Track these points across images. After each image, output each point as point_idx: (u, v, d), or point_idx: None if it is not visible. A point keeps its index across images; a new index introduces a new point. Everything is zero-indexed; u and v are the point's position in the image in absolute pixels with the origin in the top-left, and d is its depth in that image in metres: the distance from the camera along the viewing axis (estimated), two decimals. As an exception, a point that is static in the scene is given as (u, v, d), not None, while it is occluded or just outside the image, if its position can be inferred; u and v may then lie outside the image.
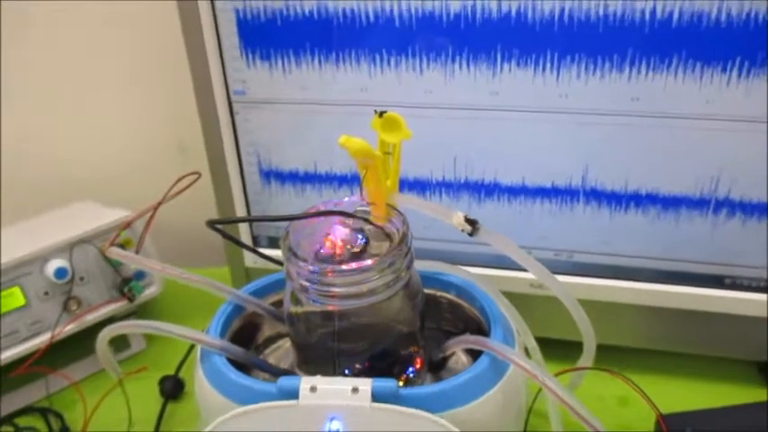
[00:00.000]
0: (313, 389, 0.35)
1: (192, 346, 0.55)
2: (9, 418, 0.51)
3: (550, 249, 0.49)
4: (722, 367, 0.53)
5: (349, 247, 0.38)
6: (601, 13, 0.41)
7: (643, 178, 0.45)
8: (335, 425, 0.34)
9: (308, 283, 0.36)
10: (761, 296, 0.47)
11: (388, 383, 0.35)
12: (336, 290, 0.35)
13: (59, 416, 0.52)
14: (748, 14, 0.39)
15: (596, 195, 0.47)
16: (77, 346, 0.55)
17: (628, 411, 0.50)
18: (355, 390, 0.34)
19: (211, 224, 0.41)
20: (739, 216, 0.45)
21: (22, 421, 0.51)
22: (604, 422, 0.47)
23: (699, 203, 0.45)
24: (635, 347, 0.52)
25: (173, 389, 0.53)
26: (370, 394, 0.34)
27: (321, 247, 0.38)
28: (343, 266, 0.35)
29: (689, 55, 0.41)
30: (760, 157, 0.42)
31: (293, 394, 0.35)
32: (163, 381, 0.53)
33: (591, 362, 0.43)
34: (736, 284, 0.47)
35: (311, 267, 0.35)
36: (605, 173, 0.46)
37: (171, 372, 0.54)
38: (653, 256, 0.48)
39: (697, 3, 0.39)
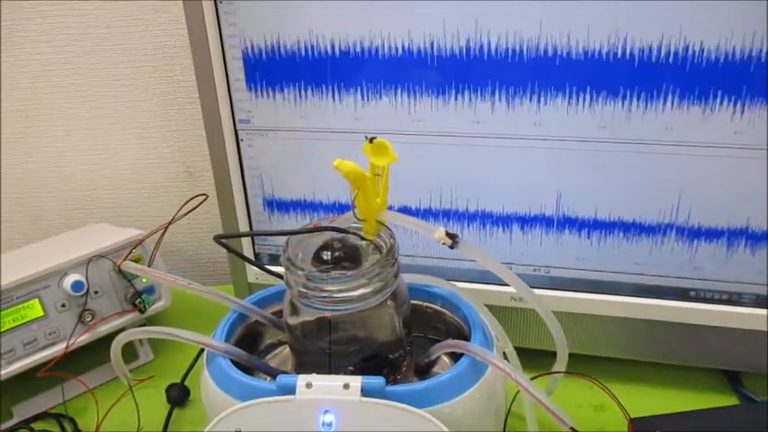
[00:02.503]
0: (308, 385, 0.38)
1: (198, 356, 0.59)
2: (26, 423, 0.55)
3: (529, 265, 0.53)
4: (692, 375, 0.56)
5: (342, 258, 0.42)
6: (567, 51, 0.45)
7: (611, 201, 0.50)
8: (329, 417, 0.38)
9: (305, 290, 0.40)
10: (723, 307, 0.51)
11: (376, 381, 0.38)
12: (331, 296, 0.39)
13: (73, 421, 0.55)
14: (700, 50, 0.44)
15: (569, 218, 0.51)
16: (91, 356, 0.59)
17: (603, 417, 0.53)
18: (346, 386, 0.38)
19: (218, 238, 0.45)
20: (699, 234, 0.49)
21: (38, 425, 0.55)
22: (581, 426, 0.50)
23: (661, 223, 0.49)
24: (609, 357, 0.56)
25: (179, 395, 0.56)
26: (359, 390, 0.38)
27: (317, 259, 0.42)
28: (337, 274, 0.39)
29: (649, 88, 0.45)
30: (713, 180, 0.47)
31: (290, 390, 0.38)
32: (170, 388, 0.57)
33: (564, 367, 0.46)
34: (699, 297, 0.51)
35: (308, 275, 0.39)
36: (577, 195, 0.50)
37: (176, 381, 0.58)
38: (623, 271, 0.52)
39: (654, 40, 0.44)
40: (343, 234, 0.43)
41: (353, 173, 0.39)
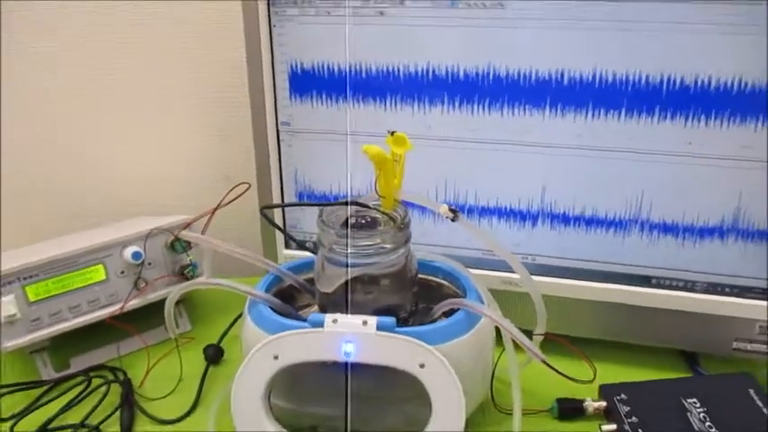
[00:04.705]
0: (334, 321, 0.48)
1: (233, 323, 0.69)
2: (84, 372, 0.64)
3: (518, 254, 0.63)
4: (655, 355, 0.65)
5: (364, 226, 0.52)
6: (553, 74, 0.57)
7: (586, 199, 0.60)
8: (350, 347, 0.47)
9: (335, 246, 0.50)
10: (679, 293, 0.60)
11: (388, 320, 0.48)
12: (355, 250, 0.49)
13: (123, 372, 0.64)
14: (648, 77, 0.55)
15: (551, 213, 0.61)
16: (142, 321, 0.68)
17: (581, 385, 0.61)
18: (365, 322, 0.48)
19: (263, 209, 0.56)
20: (659, 228, 0.59)
21: (94, 374, 0.64)
22: (558, 392, 0.60)
23: (627, 218, 0.59)
24: (584, 337, 0.65)
25: (215, 354, 0.66)
26: (375, 326, 0.47)
27: (345, 224, 0.52)
28: (359, 232, 0.50)
29: (615, 106, 0.56)
30: (670, 183, 0.57)
31: (320, 324, 0.48)
32: (207, 348, 0.66)
33: (543, 330, 0.56)
34: (660, 284, 0.61)
35: (337, 233, 0.50)
36: (558, 193, 0.60)
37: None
38: (597, 260, 0.62)
39: (619, 70, 0.55)
40: (366, 208, 0.53)
41: (378, 155, 0.50)
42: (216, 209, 0.66)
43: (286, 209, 0.69)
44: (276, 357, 0.48)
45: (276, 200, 0.68)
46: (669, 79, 0.54)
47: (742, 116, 0.54)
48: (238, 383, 0.49)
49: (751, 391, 0.56)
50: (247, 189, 0.66)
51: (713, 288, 0.59)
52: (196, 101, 0.84)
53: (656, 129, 0.56)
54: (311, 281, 0.57)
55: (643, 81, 0.55)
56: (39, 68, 0.83)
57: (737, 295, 0.59)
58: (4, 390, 0.62)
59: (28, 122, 0.86)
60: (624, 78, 0.55)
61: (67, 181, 0.90)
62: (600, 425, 0.55)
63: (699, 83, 0.54)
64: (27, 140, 0.87)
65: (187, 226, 0.67)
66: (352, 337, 0.48)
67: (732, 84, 0.53)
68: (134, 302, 0.66)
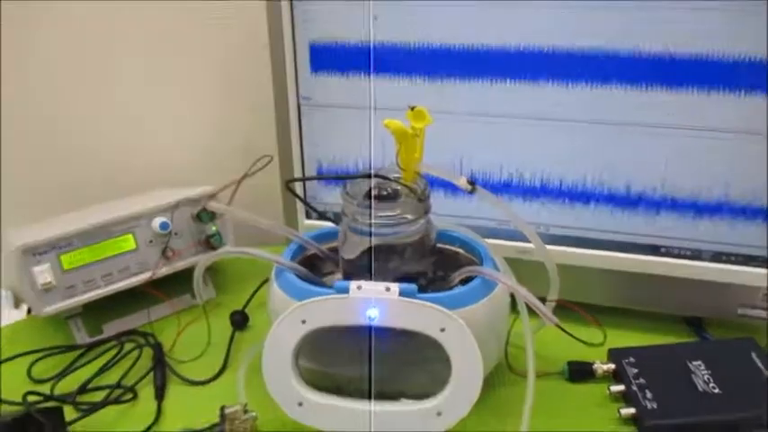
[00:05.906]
0: (359, 287, 0.50)
1: (257, 290, 0.72)
2: (117, 336, 0.67)
3: (533, 224, 0.65)
4: (663, 321, 0.67)
5: (385, 198, 0.54)
6: (565, 50, 0.58)
7: (597, 172, 0.62)
8: (374, 312, 0.50)
9: (358, 216, 0.52)
10: (686, 262, 0.62)
11: (410, 286, 0.50)
12: (377, 220, 0.52)
13: (154, 336, 0.67)
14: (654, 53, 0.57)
15: (565, 185, 0.63)
16: (169, 288, 0.71)
17: (591, 349, 0.65)
18: (388, 289, 0.50)
19: (287, 183, 0.58)
20: (666, 200, 0.61)
21: (126, 338, 0.67)
22: (571, 356, 0.63)
23: (637, 190, 0.61)
24: (594, 304, 0.67)
25: (241, 320, 0.69)
26: (397, 292, 0.50)
27: (367, 196, 0.54)
28: (381, 203, 0.52)
29: (635, 80, 0.58)
30: (677, 155, 0.59)
31: (345, 291, 0.51)
32: (233, 314, 0.69)
33: (556, 296, 0.58)
34: (668, 253, 0.63)
35: (360, 204, 0.52)
36: (570, 167, 0.63)
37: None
38: (608, 230, 0.64)
39: (627, 46, 0.57)
40: (387, 180, 0.55)
41: (399, 130, 0.52)
42: (241, 180, 0.69)
43: (308, 173, 0.71)
44: (304, 322, 0.51)
45: (297, 172, 0.70)
46: (673, 54, 0.56)
47: (746, 90, 0.56)
48: (268, 346, 0.51)
49: (753, 355, 0.59)
50: (270, 161, 0.68)
51: (719, 257, 0.62)
52: (219, 78, 0.85)
53: (664, 102, 0.57)
54: (333, 250, 0.60)
55: (650, 56, 0.56)
56: (64, 41, 0.85)
57: (742, 263, 0.61)
58: (42, 353, 0.65)
59: (54, 97, 0.88)
60: (633, 54, 0.57)
61: (90, 153, 0.92)
62: (608, 386, 0.58)
63: (701, 58, 0.55)
64: (51, 113, 0.89)
65: (213, 197, 0.70)
66: (376, 302, 0.50)
67: (732, 58, 0.55)
68: (163, 270, 0.69)
